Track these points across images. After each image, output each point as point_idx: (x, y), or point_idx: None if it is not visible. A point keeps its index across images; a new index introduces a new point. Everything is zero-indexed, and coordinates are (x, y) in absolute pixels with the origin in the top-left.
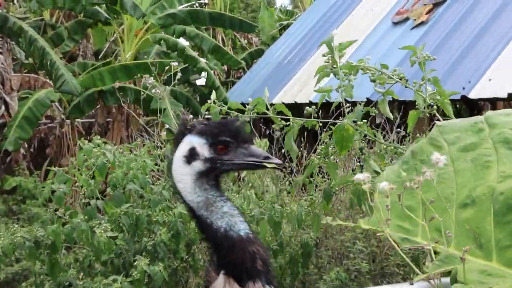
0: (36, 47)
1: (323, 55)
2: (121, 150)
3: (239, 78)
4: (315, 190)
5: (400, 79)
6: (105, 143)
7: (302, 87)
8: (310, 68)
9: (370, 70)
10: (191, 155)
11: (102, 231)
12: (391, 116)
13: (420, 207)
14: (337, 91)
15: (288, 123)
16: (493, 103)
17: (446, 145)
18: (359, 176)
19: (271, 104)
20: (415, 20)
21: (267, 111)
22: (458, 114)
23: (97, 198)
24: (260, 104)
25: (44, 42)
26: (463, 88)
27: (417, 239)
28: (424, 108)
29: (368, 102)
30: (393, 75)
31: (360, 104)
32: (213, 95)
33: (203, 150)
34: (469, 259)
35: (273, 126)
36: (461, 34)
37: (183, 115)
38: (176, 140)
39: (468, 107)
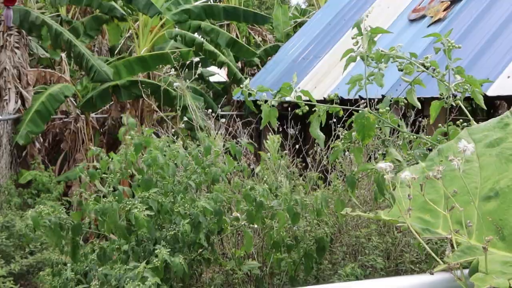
0: (63, 40)
1: (352, 37)
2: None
3: (253, 75)
4: (326, 186)
5: (427, 68)
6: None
7: (316, 84)
8: (324, 65)
9: (401, 58)
10: None
11: (139, 210)
12: (419, 105)
13: (442, 200)
14: (368, 79)
15: (314, 109)
16: (510, 101)
17: (473, 143)
18: (381, 165)
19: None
20: (432, 17)
21: (291, 98)
22: (473, 113)
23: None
24: (285, 90)
25: (70, 34)
26: (481, 85)
27: (438, 230)
28: (447, 98)
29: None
30: (423, 62)
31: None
32: (247, 81)
33: None
34: (491, 250)
35: (296, 111)
36: (479, 31)
37: (201, 111)
38: None
39: (485, 105)
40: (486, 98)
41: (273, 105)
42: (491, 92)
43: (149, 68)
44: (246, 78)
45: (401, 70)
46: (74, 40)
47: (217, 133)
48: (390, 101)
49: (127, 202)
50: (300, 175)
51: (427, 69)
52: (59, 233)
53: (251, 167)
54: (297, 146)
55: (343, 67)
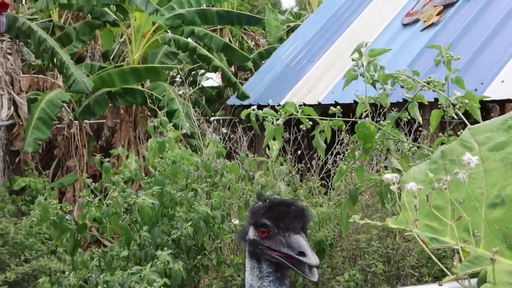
0: (46, 47)
1: (353, 59)
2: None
3: (246, 79)
4: (328, 193)
5: (428, 83)
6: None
7: (310, 89)
8: (318, 69)
9: (405, 78)
10: (244, 234)
11: (143, 199)
12: (420, 120)
13: (448, 206)
14: (374, 100)
15: (318, 123)
16: (502, 105)
17: (476, 146)
18: (388, 176)
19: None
20: (425, 21)
21: (295, 113)
22: (466, 117)
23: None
24: (290, 106)
25: (53, 42)
26: (475, 90)
27: (446, 238)
28: (447, 107)
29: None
30: (427, 81)
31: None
32: (254, 107)
33: (251, 231)
34: (498, 259)
35: (301, 126)
36: (472, 35)
37: (196, 116)
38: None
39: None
40: (479, 102)
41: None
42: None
43: (140, 80)
44: (241, 83)
45: (403, 87)
46: (56, 47)
47: (212, 137)
48: (394, 117)
49: (132, 196)
50: (301, 180)
51: (428, 83)
52: (66, 227)
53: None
54: (298, 152)
55: (337, 71)
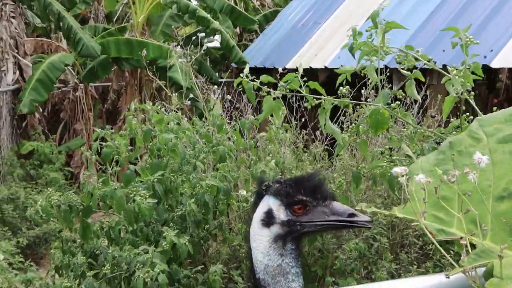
0: (51, 11)
1: (366, 30)
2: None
3: (251, 41)
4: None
5: (428, 61)
6: None
7: (317, 51)
8: (325, 31)
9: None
10: (269, 218)
11: (142, 197)
12: (419, 98)
13: (456, 197)
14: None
15: (320, 101)
16: (511, 72)
17: (484, 137)
18: (397, 169)
19: (304, 83)
20: None
21: (300, 89)
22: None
23: (134, 164)
24: (294, 82)
25: (59, 5)
26: (485, 57)
27: (453, 230)
28: (461, 94)
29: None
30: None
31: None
32: (246, 69)
33: (279, 212)
34: (505, 253)
35: (306, 104)
36: (482, 0)
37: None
38: (255, 200)
39: (485, 74)
40: (489, 69)
41: (277, 97)
42: (495, 64)
43: (133, 54)
44: (246, 44)
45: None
46: (63, 11)
47: (216, 98)
48: (389, 94)
49: (132, 189)
50: (305, 147)
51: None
52: (69, 219)
53: (255, 138)
54: (303, 119)
55: (344, 33)
